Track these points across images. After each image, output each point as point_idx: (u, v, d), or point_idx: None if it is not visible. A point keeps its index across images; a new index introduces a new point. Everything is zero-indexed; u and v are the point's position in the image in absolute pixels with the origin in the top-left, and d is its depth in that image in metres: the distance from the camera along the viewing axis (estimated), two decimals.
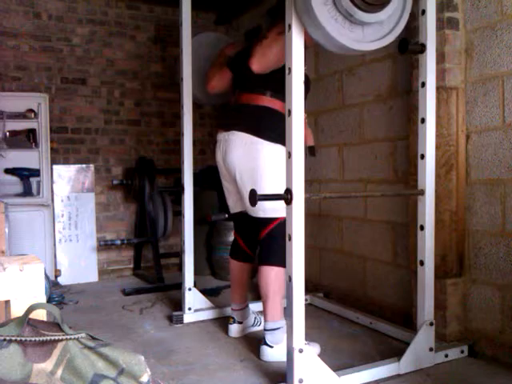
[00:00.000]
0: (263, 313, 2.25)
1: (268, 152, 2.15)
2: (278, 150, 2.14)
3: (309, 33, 1.67)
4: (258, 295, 2.86)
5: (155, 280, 3.66)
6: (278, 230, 2.16)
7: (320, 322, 2.71)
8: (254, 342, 2.35)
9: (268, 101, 2.20)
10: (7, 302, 1.11)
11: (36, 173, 3.56)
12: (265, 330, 2.21)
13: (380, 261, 2.80)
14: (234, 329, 2.51)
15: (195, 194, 2.81)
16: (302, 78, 1.69)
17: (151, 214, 3.76)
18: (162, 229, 3.82)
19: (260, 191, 1.83)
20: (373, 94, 2.81)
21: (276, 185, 2.08)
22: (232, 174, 2.27)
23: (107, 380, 0.96)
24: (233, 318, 2.52)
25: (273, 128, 2.14)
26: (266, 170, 2.15)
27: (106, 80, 3.99)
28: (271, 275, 2.17)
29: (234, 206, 2.44)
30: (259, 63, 2.13)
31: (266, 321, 2.21)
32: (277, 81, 1.95)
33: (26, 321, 0.97)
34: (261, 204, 2.06)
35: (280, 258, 2.15)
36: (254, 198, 1.72)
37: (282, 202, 1.81)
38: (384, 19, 1.68)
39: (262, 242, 2.25)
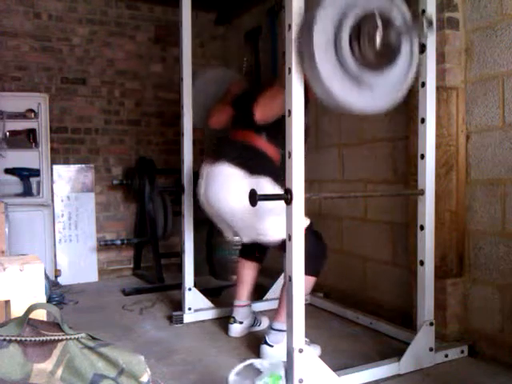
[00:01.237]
0: (277, 311, 2.24)
1: (261, 185, 2.13)
2: (267, 182, 2.14)
3: (318, 94, 1.66)
4: (258, 295, 2.87)
5: (155, 280, 3.66)
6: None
7: (320, 322, 2.71)
8: (255, 342, 2.35)
9: (263, 143, 2.22)
10: (7, 302, 1.12)
11: (36, 173, 3.56)
12: (271, 328, 2.22)
13: (380, 261, 2.80)
14: (235, 329, 2.51)
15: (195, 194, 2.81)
16: (302, 78, 1.69)
17: (151, 213, 3.76)
18: (161, 229, 3.82)
19: (258, 224, 2.01)
20: None
21: (272, 216, 2.09)
22: (215, 209, 2.25)
23: (107, 380, 0.96)
24: (233, 317, 2.52)
25: (263, 167, 2.16)
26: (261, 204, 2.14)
27: (106, 80, 3.99)
28: None
29: (226, 232, 2.44)
30: (263, 113, 2.15)
31: (275, 320, 2.21)
32: (274, 126, 1.96)
33: (26, 321, 0.97)
34: (257, 229, 2.15)
35: (310, 268, 2.15)
36: (254, 198, 1.73)
37: (278, 221, 1.84)
38: (393, 80, 1.68)
39: None
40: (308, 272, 2.11)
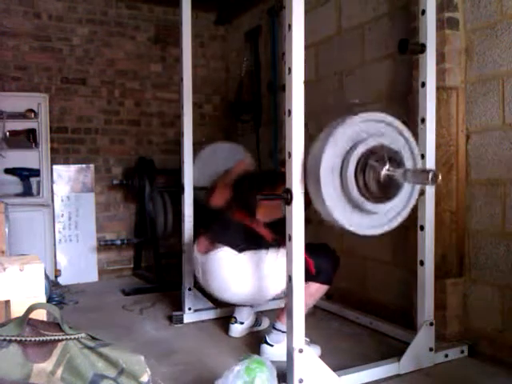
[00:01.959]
0: (280, 312, 2.25)
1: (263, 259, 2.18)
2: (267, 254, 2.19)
3: (318, 211, 1.72)
4: None
5: (155, 280, 3.66)
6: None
7: (320, 322, 2.71)
8: (255, 342, 2.35)
9: (261, 228, 2.28)
10: (7, 302, 1.12)
11: (36, 173, 3.56)
12: (273, 327, 2.23)
13: (380, 261, 2.80)
14: (236, 329, 2.51)
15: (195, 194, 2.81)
16: (302, 78, 1.69)
17: (151, 213, 3.76)
18: (161, 229, 3.81)
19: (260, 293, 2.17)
20: (373, 94, 2.81)
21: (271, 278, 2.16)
22: (217, 295, 2.32)
23: (107, 380, 0.96)
24: (234, 317, 2.52)
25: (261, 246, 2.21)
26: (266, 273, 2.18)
27: (106, 80, 3.99)
28: (314, 288, 2.19)
29: None
30: (265, 217, 2.27)
31: (278, 320, 2.22)
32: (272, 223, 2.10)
33: (26, 321, 0.97)
34: (260, 297, 2.27)
35: (323, 277, 2.20)
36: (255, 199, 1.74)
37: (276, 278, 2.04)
38: (393, 207, 1.74)
39: None
40: (320, 280, 2.17)
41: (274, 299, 2.92)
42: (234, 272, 2.21)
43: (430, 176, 1.53)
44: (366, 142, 1.63)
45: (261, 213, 2.27)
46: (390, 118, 1.71)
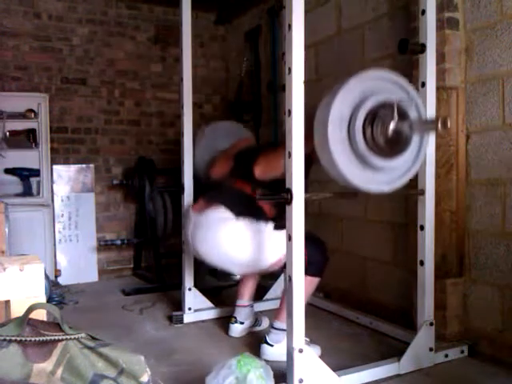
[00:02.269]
0: (278, 311, 2.25)
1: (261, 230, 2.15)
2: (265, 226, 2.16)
3: (325, 167, 1.71)
4: (258, 296, 2.87)
5: (155, 280, 3.66)
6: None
7: (320, 322, 2.71)
8: (255, 342, 2.35)
9: (262, 201, 2.25)
10: (7, 302, 1.11)
11: (36, 173, 3.56)
12: (272, 327, 2.22)
13: (380, 261, 2.80)
14: (236, 329, 2.51)
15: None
16: (302, 78, 1.69)
17: (151, 213, 3.76)
18: (161, 229, 3.82)
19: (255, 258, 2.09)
20: None
21: (265, 244, 2.13)
22: (208, 258, 2.25)
23: (107, 380, 0.96)
24: (235, 317, 2.52)
25: (258, 214, 2.17)
26: (266, 242, 2.14)
27: (106, 80, 3.99)
28: (306, 283, 2.17)
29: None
30: (263, 172, 2.18)
31: (276, 319, 2.22)
32: (271, 186, 2.05)
33: (26, 321, 0.97)
34: (255, 264, 2.16)
35: (314, 269, 2.17)
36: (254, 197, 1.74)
37: (272, 245, 2.01)
38: (397, 166, 1.74)
39: None
40: (311, 272, 2.14)
41: (272, 299, 2.95)
42: (227, 235, 2.15)
43: (440, 123, 1.56)
44: (375, 97, 1.64)
45: (259, 169, 2.17)
46: (395, 77, 1.79)
